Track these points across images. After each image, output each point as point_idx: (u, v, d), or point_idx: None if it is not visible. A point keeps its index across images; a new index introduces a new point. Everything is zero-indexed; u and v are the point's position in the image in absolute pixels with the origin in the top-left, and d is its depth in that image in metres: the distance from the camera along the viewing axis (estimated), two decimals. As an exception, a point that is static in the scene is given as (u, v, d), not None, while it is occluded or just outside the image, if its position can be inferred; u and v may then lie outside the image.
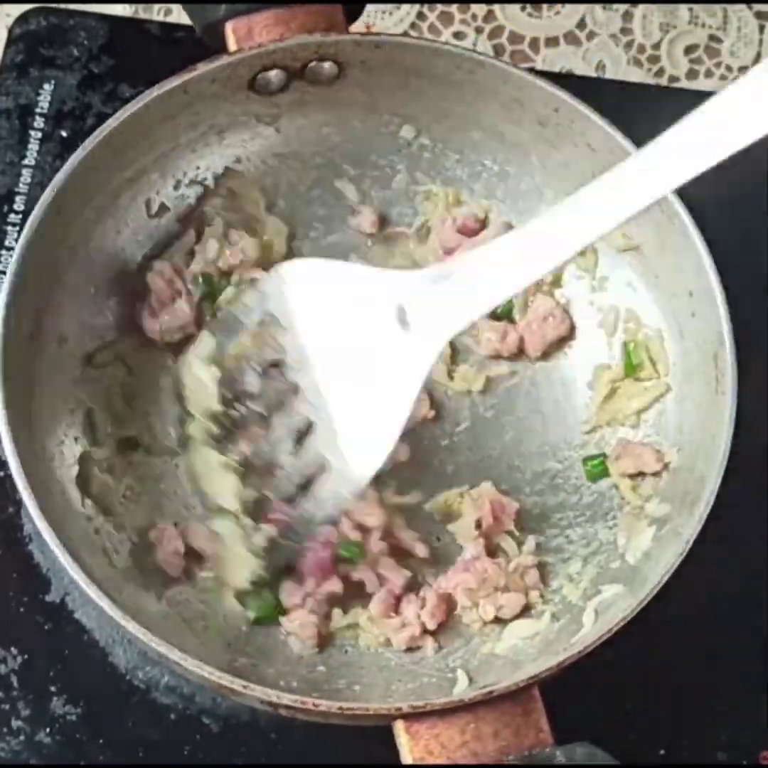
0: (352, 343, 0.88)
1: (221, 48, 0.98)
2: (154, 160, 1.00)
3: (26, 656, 0.96)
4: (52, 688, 0.95)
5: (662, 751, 0.97)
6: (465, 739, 0.81)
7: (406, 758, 0.82)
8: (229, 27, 0.98)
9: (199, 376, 0.94)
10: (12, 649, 0.96)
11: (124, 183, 0.99)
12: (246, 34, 0.98)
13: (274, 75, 0.99)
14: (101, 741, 0.95)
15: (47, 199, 0.91)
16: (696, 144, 0.74)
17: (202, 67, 0.96)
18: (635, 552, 0.94)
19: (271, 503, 0.92)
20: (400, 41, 0.99)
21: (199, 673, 0.81)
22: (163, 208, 1.02)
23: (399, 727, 0.82)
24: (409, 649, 0.94)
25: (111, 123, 0.94)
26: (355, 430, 0.88)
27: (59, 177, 0.92)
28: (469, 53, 0.99)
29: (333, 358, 0.89)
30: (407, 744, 0.81)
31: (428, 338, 0.84)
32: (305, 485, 0.92)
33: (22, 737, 0.94)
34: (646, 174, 0.77)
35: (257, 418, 0.93)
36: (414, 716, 0.82)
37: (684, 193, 0.93)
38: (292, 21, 0.98)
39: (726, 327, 0.92)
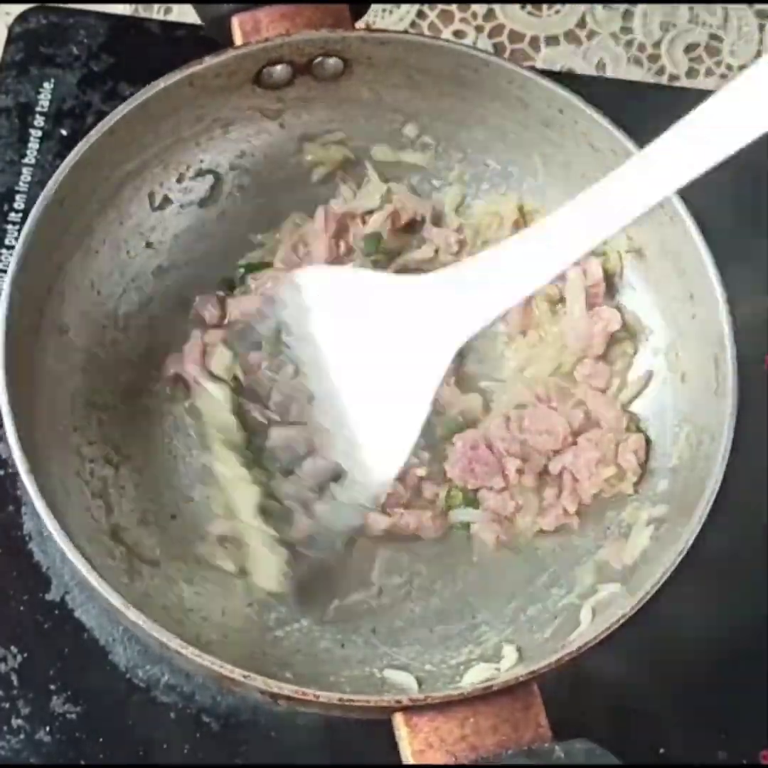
0: (367, 350, 0.87)
1: (227, 42, 0.98)
2: (157, 153, 1.00)
3: (26, 655, 0.96)
4: (52, 687, 0.95)
5: (662, 750, 0.97)
6: (464, 733, 0.81)
7: (405, 751, 0.81)
8: (235, 21, 0.98)
9: (212, 392, 0.93)
10: (12, 647, 0.96)
11: (127, 175, 0.99)
12: (252, 29, 0.98)
13: (280, 70, 0.99)
14: (101, 740, 0.95)
15: (51, 190, 0.91)
16: (700, 141, 0.74)
17: (208, 61, 0.96)
18: (633, 551, 0.94)
19: (292, 514, 0.91)
20: (406, 39, 0.99)
21: (199, 663, 0.81)
22: (167, 200, 1.03)
23: (398, 719, 0.82)
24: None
25: (115, 114, 0.94)
26: (372, 437, 0.87)
27: (63, 168, 0.92)
28: (474, 52, 0.99)
29: (348, 365, 0.88)
30: (406, 737, 0.81)
31: (442, 342, 0.84)
32: (321, 492, 0.91)
33: (22, 736, 0.94)
34: (651, 173, 0.76)
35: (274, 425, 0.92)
36: (413, 709, 0.81)
37: (685, 195, 0.93)
38: (298, 16, 0.98)
39: (727, 330, 0.91)
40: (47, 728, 0.94)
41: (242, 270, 1.04)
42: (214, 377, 0.93)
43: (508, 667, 0.91)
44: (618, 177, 0.78)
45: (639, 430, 1.00)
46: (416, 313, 0.85)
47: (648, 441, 0.99)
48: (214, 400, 0.93)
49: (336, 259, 1.04)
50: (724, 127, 0.73)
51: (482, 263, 0.83)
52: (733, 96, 0.74)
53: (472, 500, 0.99)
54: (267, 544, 0.90)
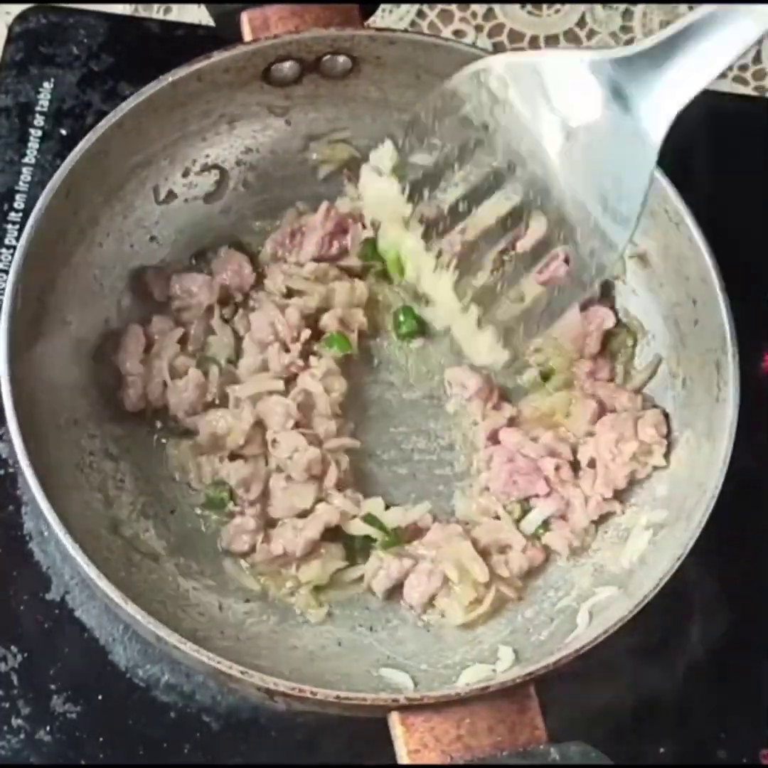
0: (573, 133, 0.83)
1: (236, 38, 0.99)
2: (164, 147, 1.00)
3: (26, 654, 0.96)
4: (53, 687, 0.95)
5: (662, 750, 0.97)
6: (459, 734, 0.81)
7: (401, 750, 0.82)
8: (244, 17, 0.99)
9: (377, 187, 0.89)
10: (12, 647, 0.96)
11: (133, 168, 0.99)
12: (261, 25, 0.98)
13: (288, 66, 0.99)
14: (101, 739, 0.95)
15: (57, 181, 0.92)
16: None
17: (217, 56, 0.96)
18: (631, 555, 0.94)
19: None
20: (415, 38, 1.00)
21: (196, 658, 0.81)
22: (171, 194, 1.03)
23: (394, 719, 0.82)
24: None
25: (123, 107, 0.94)
26: (593, 218, 0.83)
27: (70, 159, 0.92)
28: (482, 53, 0.99)
29: (552, 151, 0.84)
30: (402, 736, 0.81)
31: (656, 113, 0.80)
32: None
33: (22, 735, 0.94)
34: None
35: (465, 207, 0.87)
36: (409, 709, 0.82)
37: (690, 201, 0.93)
38: (307, 14, 0.99)
39: (729, 335, 0.92)
40: (47, 728, 0.95)
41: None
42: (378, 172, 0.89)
43: (504, 669, 0.90)
44: None
45: (655, 406, 1.00)
46: (619, 89, 0.81)
47: (666, 415, 0.99)
48: (387, 195, 0.88)
49: (325, 257, 1.04)
50: None
51: (678, 36, 0.79)
52: None
53: (528, 509, 0.99)
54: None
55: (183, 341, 1.01)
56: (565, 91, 0.83)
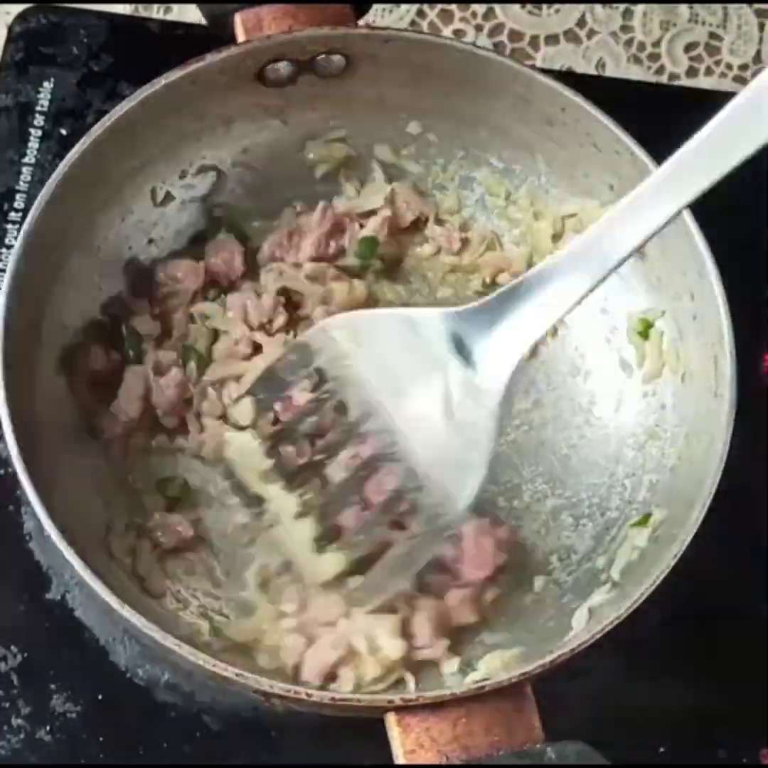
0: (416, 387, 0.87)
1: (229, 40, 0.99)
2: (160, 150, 1.00)
3: (26, 654, 0.96)
4: (52, 686, 0.95)
5: (662, 749, 0.97)
6: (456, 734, 0.81)
7: (397, 751, 0.81)
8: (237, 18, 0.99)
9: (242, 442, 0.94)
10: (12, 647, 0.96)
11: (129, 171, 0.99)
12: (255, 26, 0.98)
13: (283, 67, 0.99)
14: (101, 739, 0.94)
15: (52, 186, 0.91)
16: (715, 152, 0.77)
17: (211, 57, 0.96)
18: (628, 553, 0.94)
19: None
20: (410, 37, 0.99)
21: (193, 661, 0.81)
22: (169, 196, 1.03)
23: (391, 719, 0.82)
24: None
25: (118, 110, 0.94)
26: (441, 472, 0.87)
27: (65, 163, 0.92)
28: (478, 50, 0.99)
29: (399, 404, 0.88)
30: (398, 737, 0.81)
31: (496, 365, 0.85)
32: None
33: (22, 735, 0.94)
34: (670, 185, 0.79)
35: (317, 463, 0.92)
36: (405, 709, 0.81)
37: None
38: (301, 14, 0.98)
39: (727, 330, 0.91)
40: (47, 728, 0.94)
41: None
42: (239, 428, 0.95)
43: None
44: (640, 192, 0.80)
45: None
46: (462, 342, 0.85)
47: None
48: (247, 448, 0.93)
49: (323, 257, 1.04)
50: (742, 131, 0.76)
51: (523, 283, 0.84)
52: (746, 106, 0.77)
53: None
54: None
55: (167, 332, 1.01)
56: (407, 345, 0.87)
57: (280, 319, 1.01)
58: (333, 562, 0.91)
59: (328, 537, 0.91)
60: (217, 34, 1.00)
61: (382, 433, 0.89)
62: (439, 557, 0.93)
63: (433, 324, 0.87)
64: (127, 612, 0.82)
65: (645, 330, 1.01)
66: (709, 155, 0.77)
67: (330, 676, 0.90)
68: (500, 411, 0.85)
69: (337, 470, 0.92)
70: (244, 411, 0.95)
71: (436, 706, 0.81)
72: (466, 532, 0.94)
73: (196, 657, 0.81)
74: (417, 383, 0.87)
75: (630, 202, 0.80)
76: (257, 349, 1.00)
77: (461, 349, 0.86)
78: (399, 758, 0.81)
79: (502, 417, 0.86)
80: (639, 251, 0.83)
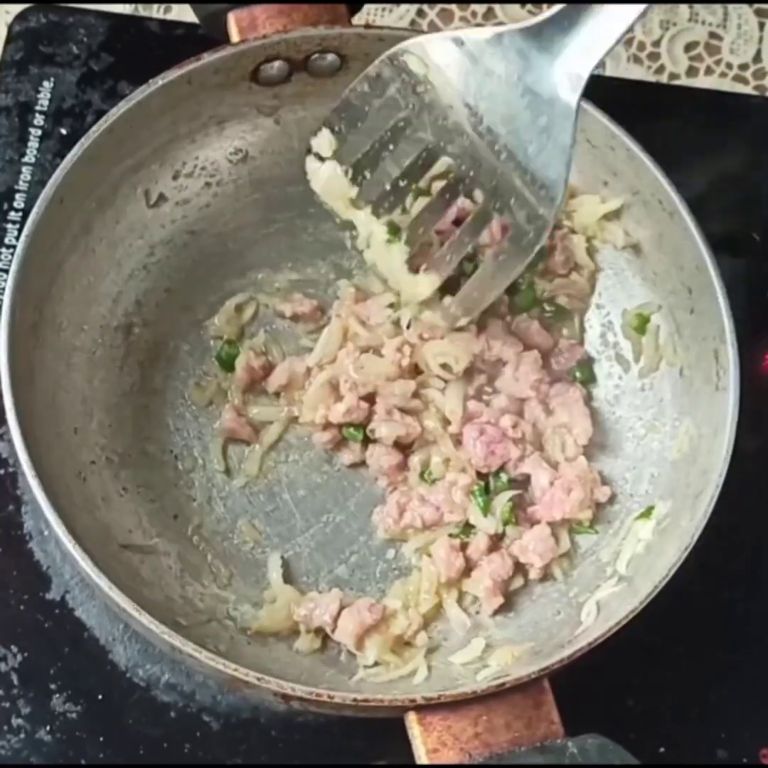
0: (496, 102, 0.87)
1: (223, 39, 0.99)
2: (154, 151, 1.00)
3: (26, 654, 0.96)
4: (53, 686, 0.95)
5: (662, 749, 0.97)
6: (477, 731, 0.82)
7: (419, 750, 0.82)
8: (231, 18, 0.99)
9: (322, 172, 0.93)
10: (12, 647, 0.96)
11: (125, 173, 0.99)
12: (249, 25, 0.98)
13: (277, 66, 0.99)
14: (101, 739, 0.95)
15: (51, 189, 0.92)
16: None
17: (206, 58, 0.96)
18: (635, 547, 0.94)
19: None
20: (403, 35, 0.99)
21: (212, 666, 0.81)
22: (162, 198, 1.03)
23: (411, 718, 0.82)
24: None
25: (114, 113, 0.94)
26: (526, 181, 0.87)
27: (63, 166, 0.92)
28: None
29: (477, 121, 0.87)
30: (420, 736, 0.82)
31: (568, 76, 0.85)
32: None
33: (22, 735, 0.94)
34: None
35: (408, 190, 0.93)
36: (427, 708, 0.82)
37: (684, 190, 0.94)
38: (294, 13, 0.99)
39: (727, 323, 0.92)
40: (47, 727, 0.94)
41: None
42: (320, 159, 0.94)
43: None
44: None
45: None
46: (540, 50, 0.85)
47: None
48: (333, 177, 0.93)
49: None
50: None
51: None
52: None
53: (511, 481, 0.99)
54: None
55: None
56: (480, 65, 0.86)
57: None
58: (428, 281, 0.93)
59: (418, 259, 0.93)
60: (211, 34, 1.01)
61: (461, 156, 0.89)
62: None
63: (503, 41, 0.86)
64: (145, 619, 0.82)
65: (641, 325, 1.01)
66: None
67: (359, 641, 0.92)
68: (578, 115, 0.85)
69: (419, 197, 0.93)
70: (325, 142, 0.94)
71: (457, 704, 0.82)
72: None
73: (216, 662, 0.81)
74: (494, 97, 0.87)
75: None
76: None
77: (532, 64, 0.85)
78: (422, 758, 0.82)
79: (579, 124, 0.85)
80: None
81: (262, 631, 0.93)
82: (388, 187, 0.93)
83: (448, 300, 0.95)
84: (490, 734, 0.82)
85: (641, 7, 0.83)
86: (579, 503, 0.95)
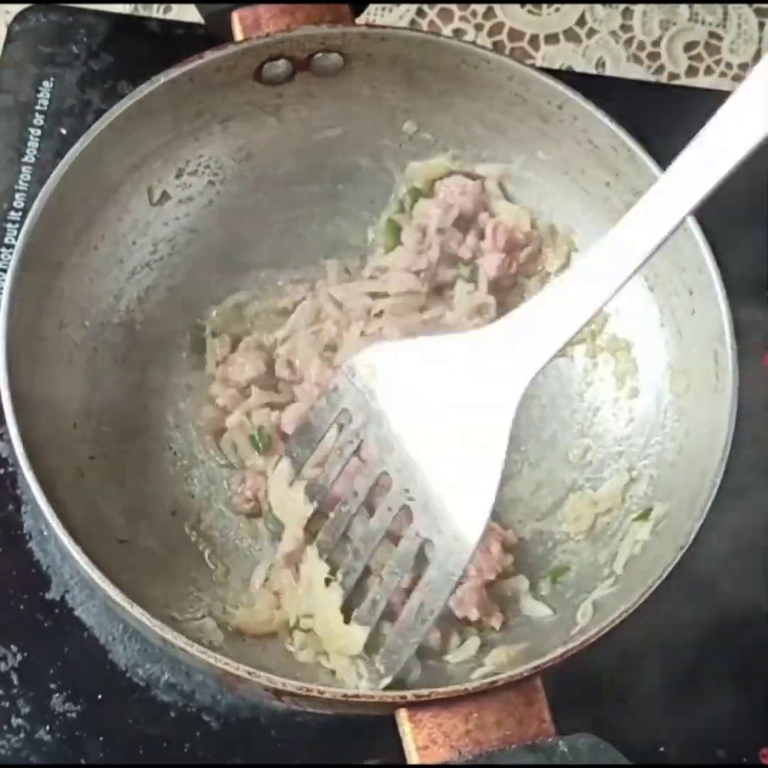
0: (436, 413, 0.89)
1: (227, 38, 0.99)
2: (156, 148, 1.00)
3: (26, 654, 0.96)
4: (52, 686, 0.95)
5: (662, 749, 0.97)
6: (468, 728, 0.81)
7: (410, 746, 0.82)
8: (235, 16, 0.99)
9: (285, 497, 0.96)
10: (12, 646, 0.96)
11: (127, 170, 0.99)
12: (252, 24, 0.98)
13: (280, 65, 0.99)
14: (101, 739, 0.95)
15: (52, 184, 0.92)
16: (714, 153, 0.78)
17: (209, 56, 0.96)
18: (632, 547, 0.94)
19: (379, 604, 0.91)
20: (406, 35, 1.00)
21: (203, 660, 0.81)
22: (165, 196, 1.03)
23: (402, 715, 0.82)
24: None
25: (116, 110, 0.94)
26: (453, 500, 0.87)
27: (64, 162, 0.92)
28: (475, 48, 0.99)
29: (416, 432, 0.89)
30: (410, 732, 0.81)
31: (508, 389, 0.86)
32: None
33: (22, 735, 0.94)
34: (675, 191, 0.80)
35: (350, 519, 0.93)
36: (417, 705, 0.82)
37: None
38: (298, 12, 0.99)
39: (727, 325, 0.92)
40: (47, 727, 0.94)
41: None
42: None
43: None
44: (644, 203, 0.81)
45: None
46: (477, 366, 0.87)
47: None
48: (295, 506, 0.95)
49: None
50: (736, 134, 0.77)
51: (531, 308, 0.86)
52: (740, 104, 0.77)
53: None
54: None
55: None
56: (423, 372, 0.89)
57: None
58: (358, 634, 0.90)
59: (351, 605, 0.91)
60: (215, 33, 1.01)
61: (400, 470, 0.89)
62: None
63: (446, 349, 0.89)
64: (137, 612, 0.82)
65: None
66: (711, 154, 0.78)
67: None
68: (511, 431, 0.86)
69: (359, 524, 0.93)
70: (285, 471, 0.96)
71: (448, 701, 0.82)
72: None
73: (207, 655, 0.81)
74: (432, 408, 0.88)
75: (635, 214, 0.81)
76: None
77: (475, 371, 0.87)
78: (411, 754, 0.81)
79: (512, 439, 0.86)
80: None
81: (242, 629, 0.93)
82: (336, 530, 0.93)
83: (374, 658, 0.90)
84: (480, 732, 0.81)
85: (583, 319, 0.83)
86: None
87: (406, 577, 0.90)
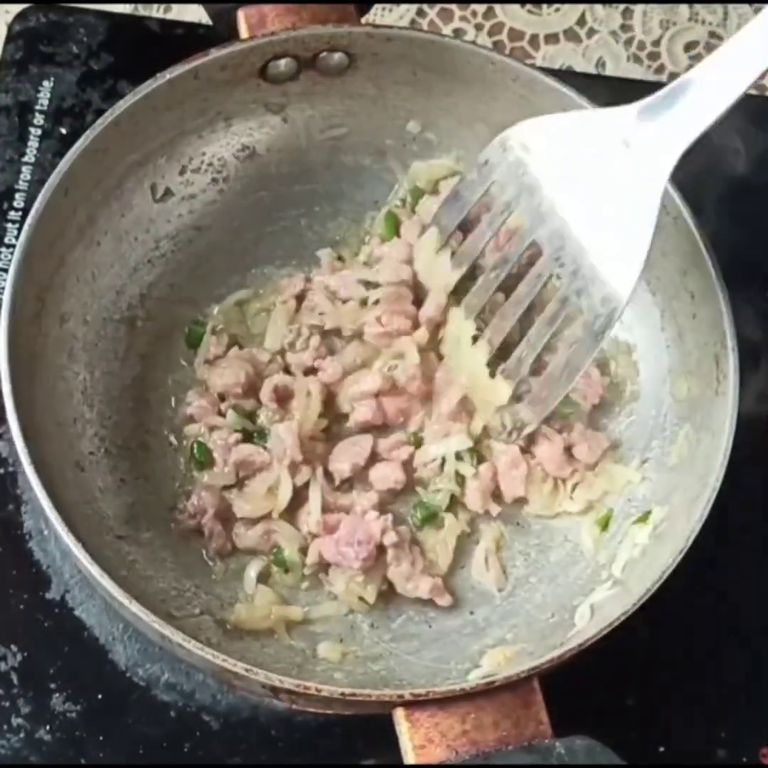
0: (585, 182, 0.90)
1: (232, 36, 0.99)
2: (160, 145, 1.00)
3: (26, 654, 0.96)
4: (52, 686, 0.95)
5: (662, 749, 0.97)
6: (465, 728, 0.81)
7: (406, 746, 0.82)
8: (241, 14, 0.99)
9: (431, 264, 0.99)
10: (12, 646, 0.96)
11: (130, 166, 0.99)
12: (258, 22, 0.99)
13: (285, 63, 0.99)
14: (101, 738, 0.95)
15: (55, 179, 0.92)
16: None
17: (214, 53, 0.96)
18: (631, 550, 0.94)
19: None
20: (412, 35, 1.00)
21: (201, 656, 0.81)
22: (168, 192, 1.03)
23: (399, 714, 0.82)
24: None
25: (120, 106, 0.94)
26: (603, 266, 0.90)
27: (68, 157, 0.92)
28: (480, 50, 1.00)
29: (569, 202, 0.91)
30: (407, 732, 0.81)
31: (661, 159, 0.87)
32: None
33: (22, 735, 0.94)
34: None
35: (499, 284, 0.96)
36: (415, 704, 0.82)
37: (688, 196, 0.94)
38: (304, 11, 0.99)
39: (728, 329, 0.92)
40: (47, 727, 0.94)
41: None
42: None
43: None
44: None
45: None
46: (631, 135, 0.88)
47: None
48: (441, 271, 0.99)
49: None
50: None
51: (685, 82, 0.87)
52: None
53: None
54: None
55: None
56: (576, 144, 0.90)
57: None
58: (505, 387, 0.96)
59: (497, 360, 0.96)
60: (220, 31, 1.01)
61: (550, 239, 0.92)
62: None
63: (600, 121, 0.90)
64: (135, 607, 0.82)
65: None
66: None
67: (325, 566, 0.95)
68: (661, 202, 0.87)
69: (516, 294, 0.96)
70: (431, 239, 1.00)
71: (445, 701, 0.82)
72: None
73: (205, 652, 0.81)
74: (586, 179, 0.90)
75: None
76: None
77: (626, 145, 0.88)
78: (408, 753, 0.81)
79: (661, 208, 0.87)
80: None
81: (240, 626, 0.93)
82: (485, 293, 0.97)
83: (518, 406, 0.97)
84: (477, 732, 0.81)
85: (741, 88, 0.85)
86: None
87: (551, 337, 0.94)
